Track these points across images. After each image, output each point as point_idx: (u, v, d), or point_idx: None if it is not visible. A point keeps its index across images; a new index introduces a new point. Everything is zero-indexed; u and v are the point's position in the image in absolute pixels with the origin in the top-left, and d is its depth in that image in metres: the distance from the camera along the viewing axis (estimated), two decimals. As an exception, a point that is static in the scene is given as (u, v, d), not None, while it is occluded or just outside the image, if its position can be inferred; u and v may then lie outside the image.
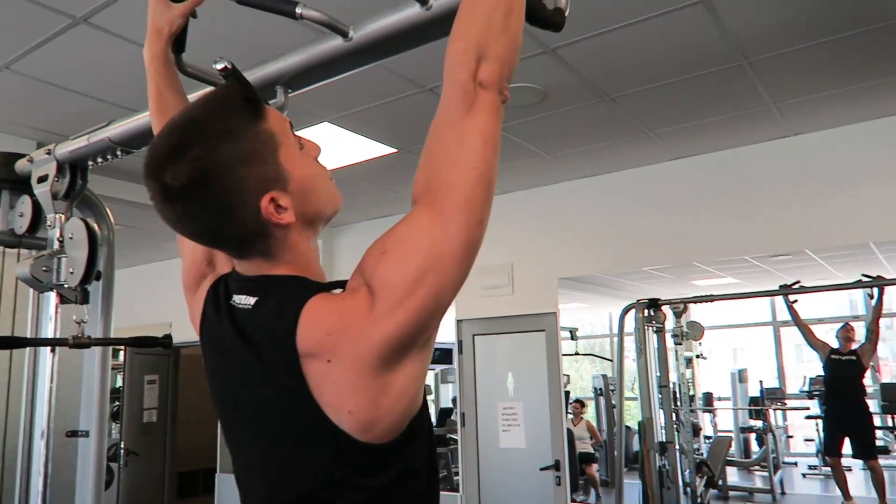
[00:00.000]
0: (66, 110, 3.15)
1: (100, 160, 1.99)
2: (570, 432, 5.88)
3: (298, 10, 1.26)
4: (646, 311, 5.64)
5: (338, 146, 3.78)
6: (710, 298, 6.06)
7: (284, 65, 1.50)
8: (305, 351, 0.85)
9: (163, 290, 6.37)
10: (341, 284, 0.91)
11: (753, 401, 8.66)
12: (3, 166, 2.20)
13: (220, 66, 1.34)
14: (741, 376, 9.34)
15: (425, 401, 0.95)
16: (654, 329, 6.02)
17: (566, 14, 1.14)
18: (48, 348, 2.05)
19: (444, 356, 8.59)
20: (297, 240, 0.96)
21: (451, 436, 6.84)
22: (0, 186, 2.24)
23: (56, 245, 2.00)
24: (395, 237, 0.86)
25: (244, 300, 0.94)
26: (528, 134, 3.69)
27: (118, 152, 1.90)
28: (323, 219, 0.99)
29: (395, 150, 3.89)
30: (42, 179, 2.08)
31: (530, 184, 4.72)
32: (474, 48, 0.85)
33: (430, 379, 9.10)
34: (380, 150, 3.88)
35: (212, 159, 0.87)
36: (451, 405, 8.42)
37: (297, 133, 0.99)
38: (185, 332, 1.42)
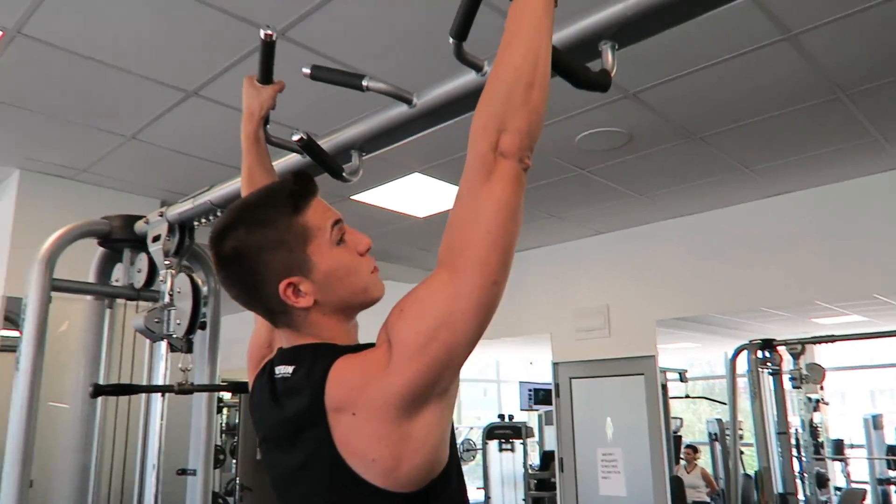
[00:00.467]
0: (183, 172, 3.47)
1: (203, 220, 2.19)
2: (679, 480, 5.61)
3: (364, 83, 1.37)
4: (759, 352, 5.35)
5: (428, 195, 3.91)
6: (830, 339, 5.66)
7: (357, 131, 1.61)
8: (333, 406, 0.92)
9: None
10: (370, 346, 0.97)
11: (891, 449, 7.88)
12: (125, 227, 2.46)
13: (296, 138, 1.47)
14: (876, 422, 8.54)
15: (457, 465, 0.99)
16: (770, 371, 5.67)
17: (613, 74, 1.16)
18: (159, 393, 2.24)
19: (547, 397, 8.46)
20: (319, 319, 1.03)
21: (554, 479, 6.69)
22: (122, 245, 2.50)
23: (167, 298, 2.21)
24: (413, 296, 0.92)
25: (283, 370, 1.03)
26: (615, 175, 3.67)
27: (218, 213, 2.09)
28: (352, 307, 1.06)
29: (484, 196, 3.96)
30: (156, 239, 2.31)
31: (623, 224, 4.66)
32: (494, 123, 0.90)
33: (533, 420, 8.96)
34: (470, 196, 3.96)
35: (246, 242, 1.00)
36: (554, 448, 8.25)
37: (346, 226, 1.08)
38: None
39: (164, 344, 2.35)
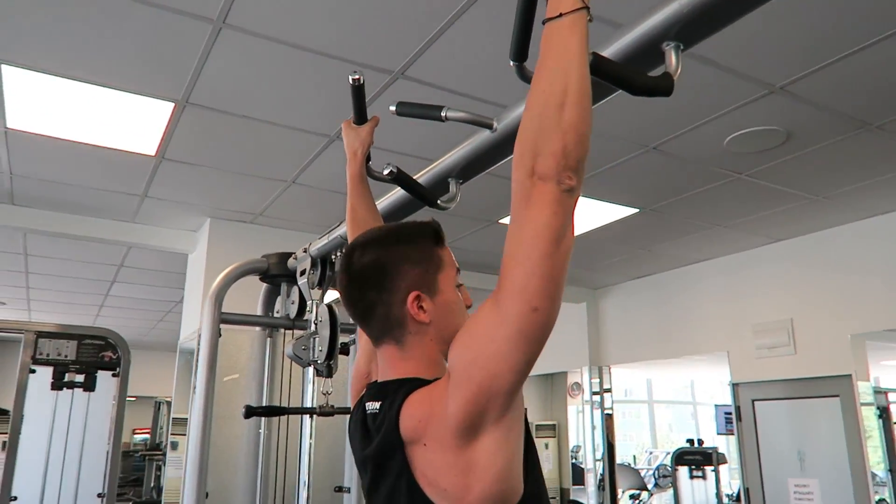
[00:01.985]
0: (339, 208, 3.74)
1: (338, 253, 2.36)
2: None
3: (443, 114, 1.42)
4: None
5: (575, 213, 3.84)
6: None
7: (451, 161, 1.65)
8: (407, 438, 0.96)
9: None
10: None
11: None
12: (280, 263, 2.71)
13: (386, 172, 1.55)
14: None
15: (538, 497, 0.98)
16: None
17: (676, 76, 1.09)
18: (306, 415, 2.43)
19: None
20: (425, 341, 1.08)
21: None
22: (279, 280, 2.76)
23: (312, 327, 2.40)
24: (465, 326, 0.95)
25: (372, 406, 1.09)
26: (779, 177, 3.33)
27: (348, 247, 2.24)
28: (450, 341, 1.07)
29: (636, 210, 3.82)
30: (303, 273, 2.52)
31: (803, 229, 4.20)
32: (529, 149, 0.89)
33: (732, 446, 8.27)
34: (621, 212, 3.84)
35: (389, 253, 1.10)
36: (754, 478, 7.52)
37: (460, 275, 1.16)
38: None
39: (311, 369, 2.54)
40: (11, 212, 3.80)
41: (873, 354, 4.47)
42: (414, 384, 1.02)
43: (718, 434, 8.66)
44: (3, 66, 2.38)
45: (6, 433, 3.82)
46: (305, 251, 2.49)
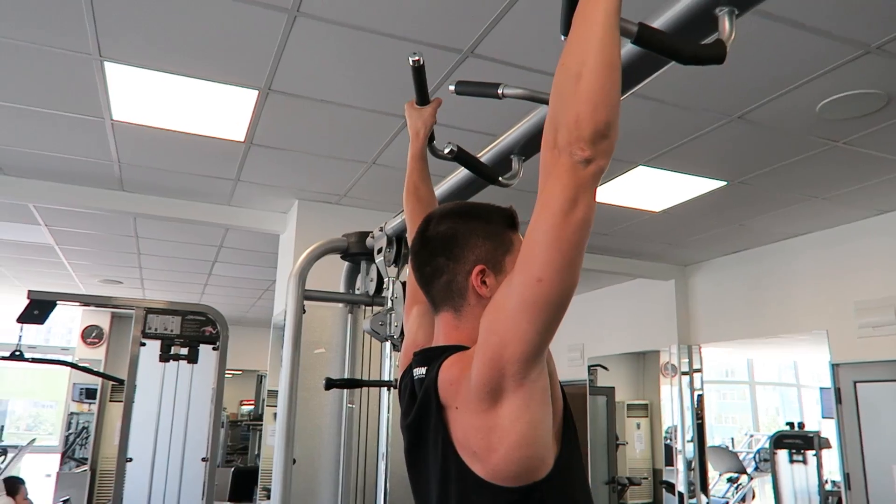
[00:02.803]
0: (421, 188, 3.83)
1: (412, 232, 2.42)
2: None
3: (500, 91, 1.43)
4: None
5: (659, 187, 3.74)
6: None
7: (512, 137, 1.67)
8: (444, 402, 1.02)
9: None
10: None
11: None
12: (359, 242, 2.81)
13: (447, 150, 1.59)
14: None
15: (572, 475, 1.00)
16: None
17: (728, 43, 1.06)
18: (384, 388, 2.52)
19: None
20: (481, 314, 1.10)
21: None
22: (359, 258, 2.87)
23: (389, 303, 2.48)
24: (493, 297, 1.00)
25: (419, 372, 1.14)
26: (881, 144, 3.11)
27: (419, 225, 2.30)
28: None
29: (724, 183, 3.67)
30: (380, 251, 2.61)
31: (913, 199, 3.90)
32: (552, 125, 0.89)
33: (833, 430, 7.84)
34: (707, 185, 3.70)
35: (464, 225, 1.15)
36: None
37: None
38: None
39: (388, 344, 2.64)
40: (122, 198, 4.13)
41: None
42: (454, 350, 1.07)
43: (823, 418, 8.24)
44: (106, 62, 2.59)
45: (122, 401, 4.18)
46: (381, 230, 2.57)
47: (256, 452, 9.27)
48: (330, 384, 2.29)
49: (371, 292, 2.77)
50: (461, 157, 1.59)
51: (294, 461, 2.53)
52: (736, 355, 9.89)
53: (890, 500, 3.90)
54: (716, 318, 5.44)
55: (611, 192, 3.84)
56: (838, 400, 4.31)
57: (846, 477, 4.18)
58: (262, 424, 9.08)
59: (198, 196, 4.19)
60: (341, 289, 3.03)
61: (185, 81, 2.71)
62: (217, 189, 4.04)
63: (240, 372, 9.69)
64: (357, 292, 2.93)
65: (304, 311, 2.66)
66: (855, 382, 4.23)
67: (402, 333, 2.33)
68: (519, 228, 1.16)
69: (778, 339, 5.14)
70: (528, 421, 0.95)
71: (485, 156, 1.74)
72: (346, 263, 3.02)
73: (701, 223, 4.47)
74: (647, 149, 3.27)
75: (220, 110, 2.97)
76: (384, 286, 2.63)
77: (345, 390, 2.74)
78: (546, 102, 1.49)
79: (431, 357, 1.12)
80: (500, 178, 1.67)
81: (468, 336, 1.10)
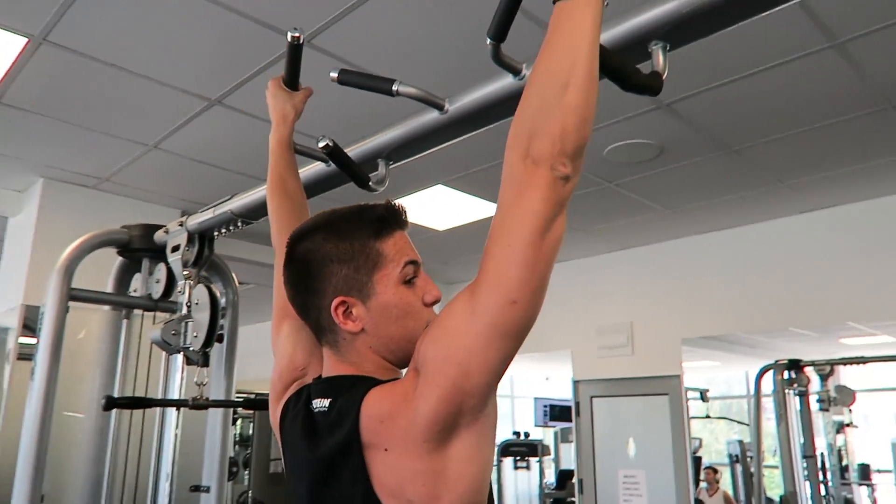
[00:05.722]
0: (205, 182, 3.43)
1: (224, 230, 2.13)
2: (701, 504, 5.45)
3: (395, 88, 1.31)
4: (785, 372, 5.20)
5: (450, 207, 3.84)
6: (861, 360, 5.51)
7: (385, 139, 1.54)
8: (366, 441, 0.86)
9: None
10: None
11: (921, 475, 7.62)
12: (144, 237, 2.41)
13: (322, 145, 1.41)
14: (903, 447, 8.28)
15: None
16: (796, 392, 5.53)
17: (664, 77, 1.08)
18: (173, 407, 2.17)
19: (563, 414, 8.29)
20: (364, 351, 0.98)
21: (571, 499, 6.54)
22: (141, 255, 2.45)
23: (185, 310, 2.15)
24: (437, 318, 0.88)
25: (320, 403, 0.97)
26: (645, 189, 3.57)
27: (239, 223, 2.03)
28: (400, 350, 0.98)
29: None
30: (175, 249, 2.26)
31: (650, 239, 4.55)
32: (525, 131, 0.82)
33: (549, 438, 8.79)
34: (490, 209, 3.90)
35: (319, 248, 0.98)
36: (572, 467, 8.08)
37: (422, 271, 1.02)
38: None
39: (180, 357, 2.29)
40: None
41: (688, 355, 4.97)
42: (373, 382, 0.92)
43: (536, 426, 9.15)
44: None
45: None
46: (182, 225, 2.23)
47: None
48: (111, 403, 1.89)
49: (156, 295, 2.38)
50: (335, 154, 1.42)
51: (42, 498, 2.05)
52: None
53: (615, 500, 4.45)
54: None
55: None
56: (577, 413, 4.81)
57: (580, 482, 4.68)
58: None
59: None
60: (109, 289, 2.55)
61: (-83, 8, 2.07)
62: (-74, 152, 3.17)
63: None
64: (134, 294, 2.50)
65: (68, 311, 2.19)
66: (592, 397, 4.77)
67: (205, 344, 2.04)
68: (396, 227, 1.00)
69: (532, 355, 5.60)
70: (479, 463, 0.85)
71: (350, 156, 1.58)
72: (119, 260, 2.56)
73: (471, 244, 4.67)
74: (450, 169, 3.33)
75: (-40, 53, 2.33)
76: (177, 289, 2.28)
77: (112, 411, 2.30)
78: (439, 108, 1.41)
79: (339, 388, 0.95)
80: (370, 184, 1.53)
81: (357, 369, 0.98)
